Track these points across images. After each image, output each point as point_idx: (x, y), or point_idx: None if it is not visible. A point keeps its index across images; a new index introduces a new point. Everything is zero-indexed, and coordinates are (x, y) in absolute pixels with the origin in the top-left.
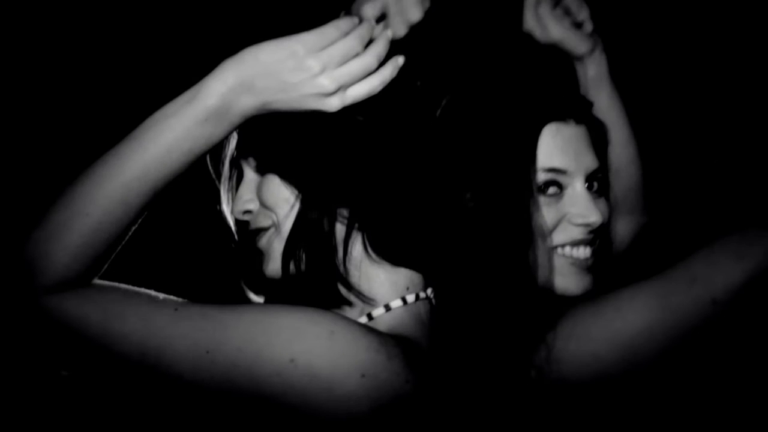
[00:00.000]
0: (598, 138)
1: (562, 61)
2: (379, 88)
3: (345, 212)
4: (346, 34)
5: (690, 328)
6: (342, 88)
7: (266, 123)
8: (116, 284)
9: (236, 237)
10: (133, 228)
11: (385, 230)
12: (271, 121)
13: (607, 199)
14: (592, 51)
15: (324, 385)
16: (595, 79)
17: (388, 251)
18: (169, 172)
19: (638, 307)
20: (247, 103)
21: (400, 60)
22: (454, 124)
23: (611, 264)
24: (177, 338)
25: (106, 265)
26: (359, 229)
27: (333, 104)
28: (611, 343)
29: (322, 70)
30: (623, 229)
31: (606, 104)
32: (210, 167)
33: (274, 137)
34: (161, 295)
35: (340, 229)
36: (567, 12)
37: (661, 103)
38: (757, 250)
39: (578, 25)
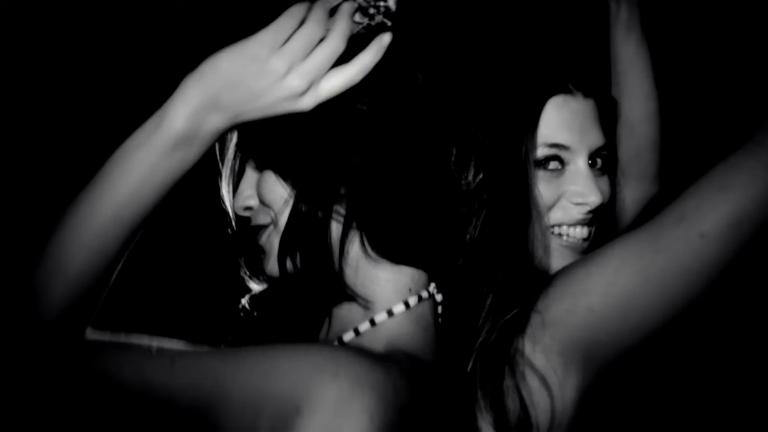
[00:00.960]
0: (607, 113)
1: (575, 32)
2: (360, 77)
3: (341, 209)
4: (303, 20)
5: (683, 267)
6: (315, 82)
7: (262, 119)
8: (108, 339)
9: (236, 232)
10: (120, 264)
11: (384, 226)
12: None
13: (611, 178)
14: None
15: (333, 428)
16: (626, 21)
17: (387, 249)
18: (145, 208)
19: (629, 255)
20: (216, 122)
21: (384, 40)
22: (453, 95)
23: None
24: (177, 393)
25: (98, 307)
26: (357, 227)
27: (306, 104)
28: (606, 295)
29: (289, 69)
30: (630, 196)
31: (633, 51)
32: (218, 158)
33: (270, 132)
34: (155, 344)
35: (336, 228)
36: None
37: (687, 67)
38: (740, 178)
39: None
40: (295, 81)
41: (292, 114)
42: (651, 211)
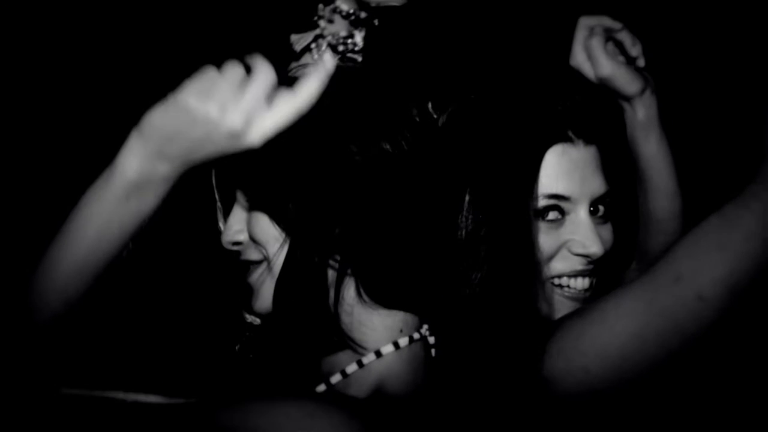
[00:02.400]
0: (610, 159)
1: (572, 78)
2: (306, 105)
3: (337, 256)
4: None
5: (680, 329)
6: (256, 117)
7: (252, 159)
8: (84, 394)
9: (227, 267)
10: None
11: (379, 274)
12: (257, 158)
13: (615, 225)
14: (642, 91)
15: None
16: (643, 122)
17: (382, 296)
18: (106, 257)
19: (624, 315)
20: (166, 170)
21: (328, 63)
22: (450, 149)
23: None
24: None
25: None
26: (352, 274)
27: (253, 139)
28: (602, 357)
29: (222, 109)
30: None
31: (654, 150)
32: (215, 188)
33: (261, 174)
34: (131, 398)
35: (332, 273)
36: (620, 47)
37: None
38: (736, 236)
39: (630, 61)
40: (232, 118)
41: (285, 159)
42: None
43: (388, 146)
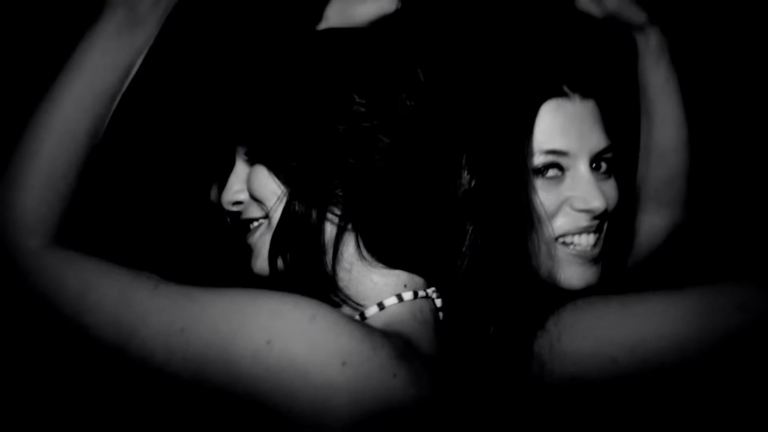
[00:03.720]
0: (611, 112)
1: (570, 28)
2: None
3: (336, 210)
4: None
5: (728, 348)
6: None
7: (254, 110)
8: (100, 259)
9: (227, 227)
10: (85, 160)
11: (381, 230)
12: (259, 108)
13: (618, 181)
14: (651, 21)
15: (300, 370)
16: (655, 48)
17: (384, 253)
18: (102, 91)
19: (673, 321)
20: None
21: None
22: (446, 106)
23: (636, 263)
24: (153, 314)
25: (70, 206)
26: (352, 229)
27: None
28: (635, 353)
29: None
30: (658, 223)
31: (663, 80)
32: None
33: (263, 125)
34: (146, 274)
35: (330, 229)
36: None
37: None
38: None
39: None
40: None
41: (288, 108)
42: (680, 240)
43: (391, 98)
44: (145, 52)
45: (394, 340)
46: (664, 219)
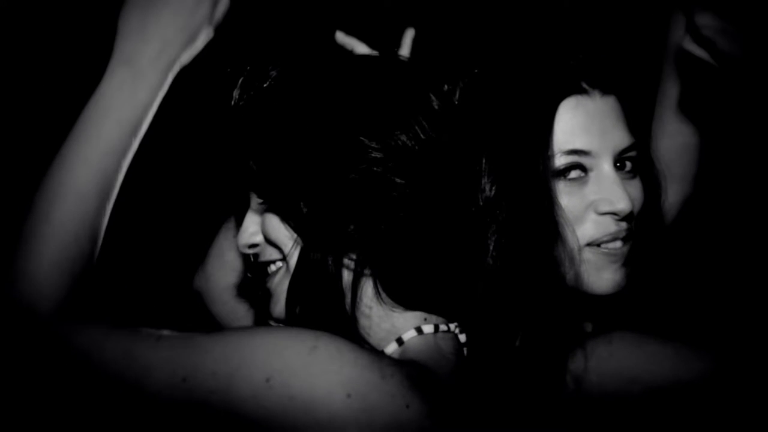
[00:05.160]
0: (634, 109)
1: (588, 24)
2: None
3: (353, 254)
4: None
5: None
6: None
7: (262, 158)
8: (106, 320)
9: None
10: (102, 225)
11: (399, 271)
12: (267, 156)
13: (646, 181)
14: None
15: (302, 407)
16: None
17: (403, 294)
18: (109, 149)
19: (691, 372)
20: (149, 51)
21: None
22: (463, 123)
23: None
24: (155, 368)
25: (89, 276)
26: (370, 273)
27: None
28: (654, 394)
29: None
30: (669, 199)
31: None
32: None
33: (271, 173)
34: (146, 329)
35: (348, 273)
36: None
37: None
38: None
39: None
40: None
41: (295, 157)
42: (690, 215)
43: (404, 138)
44: (152, 106)
45: (408, 368)
46: (675, 195)
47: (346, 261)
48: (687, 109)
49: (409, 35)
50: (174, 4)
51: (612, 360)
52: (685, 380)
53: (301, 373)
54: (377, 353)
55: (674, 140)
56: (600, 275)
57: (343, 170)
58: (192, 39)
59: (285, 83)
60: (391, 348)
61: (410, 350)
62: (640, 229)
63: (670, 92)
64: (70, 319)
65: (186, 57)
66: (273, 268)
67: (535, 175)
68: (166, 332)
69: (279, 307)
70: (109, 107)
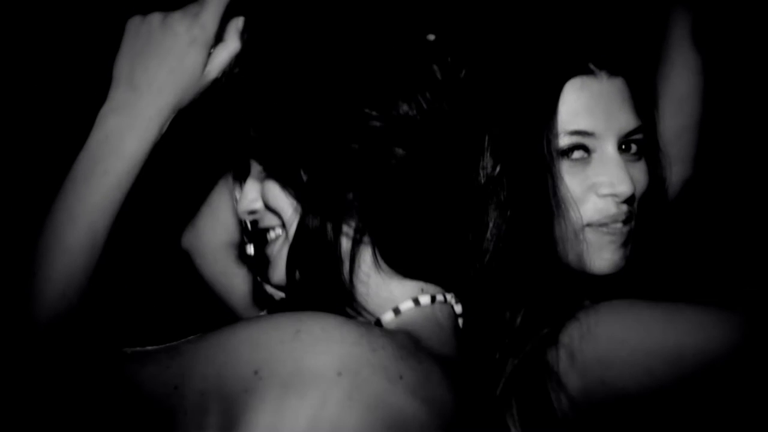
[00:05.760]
0: (641, 91)
1: (594, 5)
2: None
3: (352, 222)
4: None
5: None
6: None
7: (262, 124)
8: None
9: (247, 236)
10: (90, 278)
11: (398, 239)
12: (267, 122)
13: (651, 165)
14: None
15: (295, 393)
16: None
17: (401, 262)
18: (95, 207)
19: (720, 335)
20: (139, 103)
21: (239, 23)
22: (466, 96)
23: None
24: (146, 383)
25: (78, 321)
26: (369, 240)
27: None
28: (673, 365)
29: (179, 21)
30: (668, 179)
31: (688, 28)
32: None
33: (271, 140)
34: (136, 350)
35: (346, 241)
36: None
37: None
38: None
39: None
40: (191, 27)
41: (295, 124)
42: (689, 196)
43: (406, 107)
44: (142, 157)
45: (400, 339)
46: (674, 176)
47: (345, 229)
48: (684, 90)
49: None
50: (161, 51)
51: (600, 325)
52: (680, 341)
53: (288, 360)
54: (367, 325)
55: (673, 121)
56: (600, 255)
57: (343, 138)
58: (186, 85)
59: (288, 50)
60: (388, 317)
61: (406, 320)
62: (643, 211)
63: (668, 73)
64: (60, 356)
65: (185, 101)
66: (272, 235)
67: (537, 154)
68: (150, 348)
69: (278, 273)
70: (96, 160)
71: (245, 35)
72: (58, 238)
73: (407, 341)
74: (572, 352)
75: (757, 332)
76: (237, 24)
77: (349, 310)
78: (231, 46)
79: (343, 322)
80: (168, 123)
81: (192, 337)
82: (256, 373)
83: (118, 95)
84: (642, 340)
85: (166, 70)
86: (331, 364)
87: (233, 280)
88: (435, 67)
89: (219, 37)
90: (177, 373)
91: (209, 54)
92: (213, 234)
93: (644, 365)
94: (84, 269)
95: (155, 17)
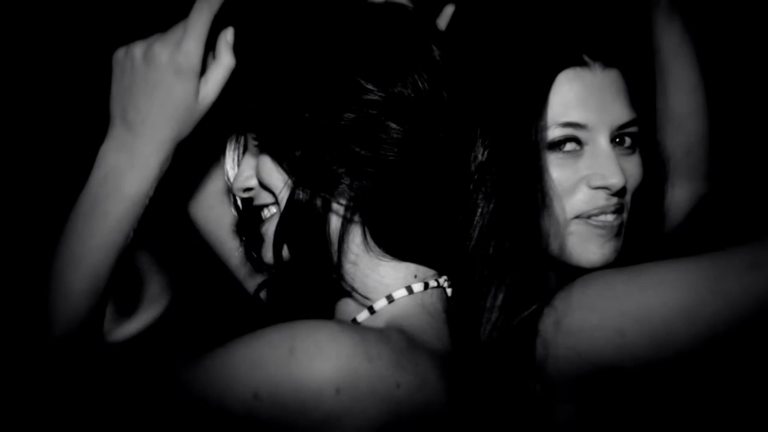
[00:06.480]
0: (636, 84)
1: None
2: (224, 77)
3: (343, 200)
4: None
5: (738, 317)
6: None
7: (256, 97)
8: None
9: (241, 213)
10: (95, 319)
11: (389, 220)
12: (261, 95)
13: (643, 158)
14: None
15: (295, 413)
16: (668, 8)
17: (391, 244)
18: (97, 249)
19: (682, 288)
20: (136, 144)
21: (228, 36)
22: (461, 80)
23: (658, 240)
24: (159, 419)
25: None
26: (359, 222)
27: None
28: (642, 323)
29: (169, 50)
30: (680, 197)
31: (677, 41)
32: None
33: (264, 113)
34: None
35: (336, 220)
36: None
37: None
38: None
39: None
40: (178, 54)
41: (290, 95)
42: (703, 213)
43: (401, 83)
44: (143, 196)
45: (395, 342)
46: (686, 192)
47: (335, 206)
48: (683, 109)
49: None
50: (147, 87)
51: (573, 296)
52: (645, 296)
53: (285, 381)
54: (362, 331)
55: (677, 139)
56: (586, 247)
57: (338, 108)
58: (181, 116)
59: (288, 21)
60: (381, 304)
61: (400, 311)
62: (636, 204)
63: (664, 91)
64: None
65: (184, 132)
66: (266, 213)
67: (525, 145)
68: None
69: (270, 252)
70: (97, 201)
71: (238, 47)
72: (61, 282)
73: (402, 342)
74: (549, 334)
75: (722, 280)
76: (226, 37)
77: (340, 288)
78: (224, 62)
79: (337, 333)
80: (170, 158)
81: (187, 361)
82: (255, 396)
83: (115, 133)
84: (609, 302)
85: (156, 106)
86: (329, 382)
87: (224, 227)
88: (434, 47)
89: (209, 53)
90: (178, 402)
91: (200, 79)
92: (208, 183)
93: (614, 327)
94: (87, 309)
95: (137, 49)
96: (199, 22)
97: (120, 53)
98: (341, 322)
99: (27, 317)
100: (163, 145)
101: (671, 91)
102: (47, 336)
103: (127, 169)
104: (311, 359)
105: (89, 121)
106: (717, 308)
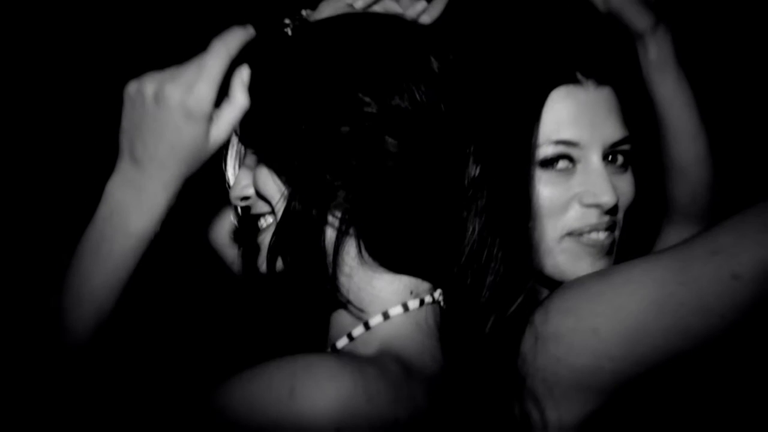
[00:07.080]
0: (629, 101)
1: (583, 16)
2: (237, 117)
3: (338, 212)
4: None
5: (706, 307)
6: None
7: (254, 108)
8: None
9: (239, 221)
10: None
11: (384, 233)
12: (259, 106)
13: (636, 177)
14: (654, 28)
15: None
16: (657, 62)
17: (386, 257)
18: (102, 286)
19: (650, 281)
20: (142, 180)
21: (244, 75)
22: (459, 94)
23: None
24: None
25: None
26: (354, 234)
27: (219, 132)
28: (614, 319)
29: (179, 90)
30: (685, 235)
31: (671, 92)
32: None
33: (263, 124)
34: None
35: (331, 232)
36: None
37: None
38: None
39: None
40: (187, 97)
41: (287, 107)
42: None
43: (399, 95)
44: (147, 234)
45: (393, 375)
46: (691, 232)
47: (330, 218)
48: (685, 158)
49: None
50: (156, 127)
51: (553, 302)
52: (615, 294)
53: (286, 425)
54: (360, 366)
55: (681, 187)
56: (577, 265)
57: (335, 121)
58: (190, 157)
59: (279, 34)
60: (377, 320)
61: (395, 329)
62: (628, 222)
63: (664, 140)
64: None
65: (192, 170)
66: (263, 223)
67: (517, 162)
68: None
69: (262, 259)
70: (102, 238)
71: (253, 88)
72: (64, 319)
73: (399, 375)
74: (529, 347)
75: (688, 270)
76: (242, 76)
77: (335, 300)
78: (238, 102)
79: (336, 371)
80: (177, 194)
81: (186, 399)
82: None
83: (122, 168)
84: (584, 304)
85: (165, 146)
86: (330, 423)
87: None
88: (432, 59)
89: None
90: None
91: (210, 120)
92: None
93: (589, 327)
94: (90, 343)
95: (149, 86)
96: (215, 67)
97: (132, 87)
98: (341, 358)
99: (31, 339)
100: (171, 184)
101: (672, 141)
102: (52, 352)
103: (134, 206)
104: (312, 401)
105: (98, 131)
106: (684, 298)
